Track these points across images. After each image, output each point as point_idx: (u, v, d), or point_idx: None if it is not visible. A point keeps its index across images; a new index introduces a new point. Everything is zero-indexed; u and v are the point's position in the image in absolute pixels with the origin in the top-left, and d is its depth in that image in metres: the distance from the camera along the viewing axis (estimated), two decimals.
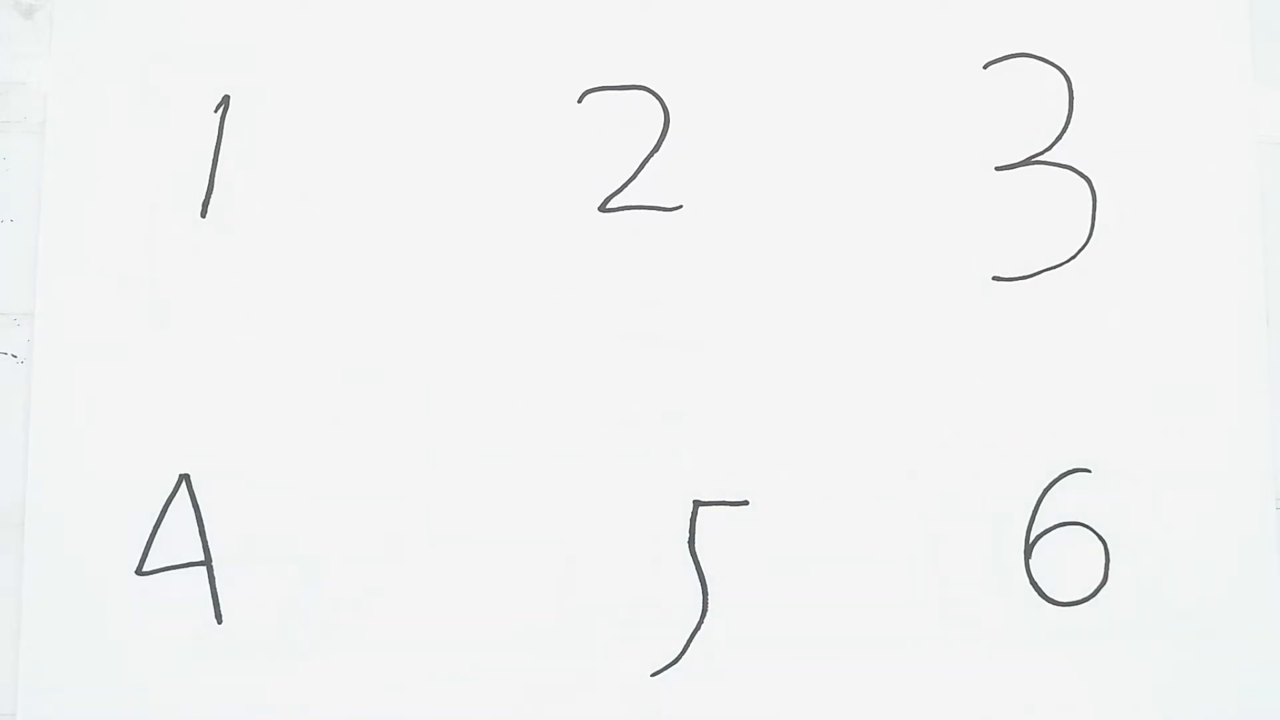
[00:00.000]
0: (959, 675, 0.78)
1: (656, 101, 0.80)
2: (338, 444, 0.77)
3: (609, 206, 0.79)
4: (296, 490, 0.76)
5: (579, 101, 0.79)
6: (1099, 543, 0.80)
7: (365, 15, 0.79)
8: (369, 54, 0.79)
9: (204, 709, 0.75)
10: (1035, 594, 0.79)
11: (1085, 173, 0.81)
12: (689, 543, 0.78)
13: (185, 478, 0.76)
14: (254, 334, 0.77)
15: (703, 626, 0.77)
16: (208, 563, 0.76)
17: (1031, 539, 0.80)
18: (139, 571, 0.75)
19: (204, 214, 0.77)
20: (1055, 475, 0.80)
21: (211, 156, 0.77)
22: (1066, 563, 0.80)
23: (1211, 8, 0.83)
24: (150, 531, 0.75)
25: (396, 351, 0.77)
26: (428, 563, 0.77)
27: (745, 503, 0.78)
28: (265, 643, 0.76)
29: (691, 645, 0.77)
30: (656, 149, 0.80)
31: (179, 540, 0.76)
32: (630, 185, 0.79)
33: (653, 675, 0.77)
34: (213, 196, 0.77)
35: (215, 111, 0.78)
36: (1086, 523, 0.80)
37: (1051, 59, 0.82)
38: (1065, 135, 0.81)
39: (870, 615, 0.78)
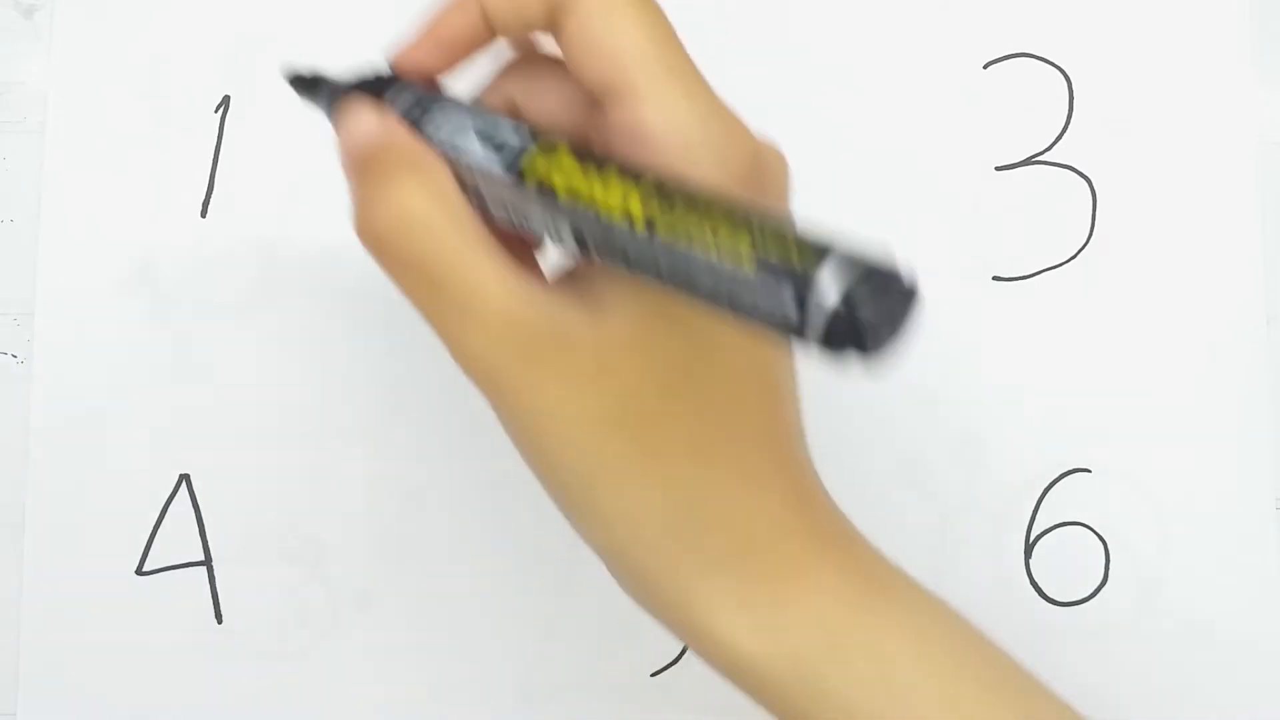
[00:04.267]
0: None
1: None
2: (338, 444, 0.77)
3: None
4: (296, 490, 0.76)
5: None
6: (1099, 543, 0.80)
7: (365, 16, 0.79)
8: (369, 54, 0.78)
9: (204, 709, 0.75)
10: (1035, 594, 0.79)
11: (1085, 173, 0.81)
12: None
13: (185, 478, 0.76)
14: (254, 334, 0.77)
15: None
16: (208, 563, 0.76)
17: (1031, 539, 0.80)
18: (139, 571, 0.75)
19: (204, 214, 0.77)
20: (1055, 475, 0.80)
21: (211, 156, 0.78)
22: (1066, 563, 0.80)
23: (1211, 8, 0.83)
24: (150, 531, 0.75)
25: (396, 350, 0.77)
26: (428, 563, 0.77)
27: None
28: (265, 643, 0.76)
29: None
30: None
31: (179, 540, 0.76)
32: None
33: (653, 675, 0.77)
34: (213, 196, 0.77)
35: (215, 111, 0.78)
36: (1086, 523, 0.80)
37: (1051, 59, 0.82)
38: (1065, 135, 0.81)
39: None
